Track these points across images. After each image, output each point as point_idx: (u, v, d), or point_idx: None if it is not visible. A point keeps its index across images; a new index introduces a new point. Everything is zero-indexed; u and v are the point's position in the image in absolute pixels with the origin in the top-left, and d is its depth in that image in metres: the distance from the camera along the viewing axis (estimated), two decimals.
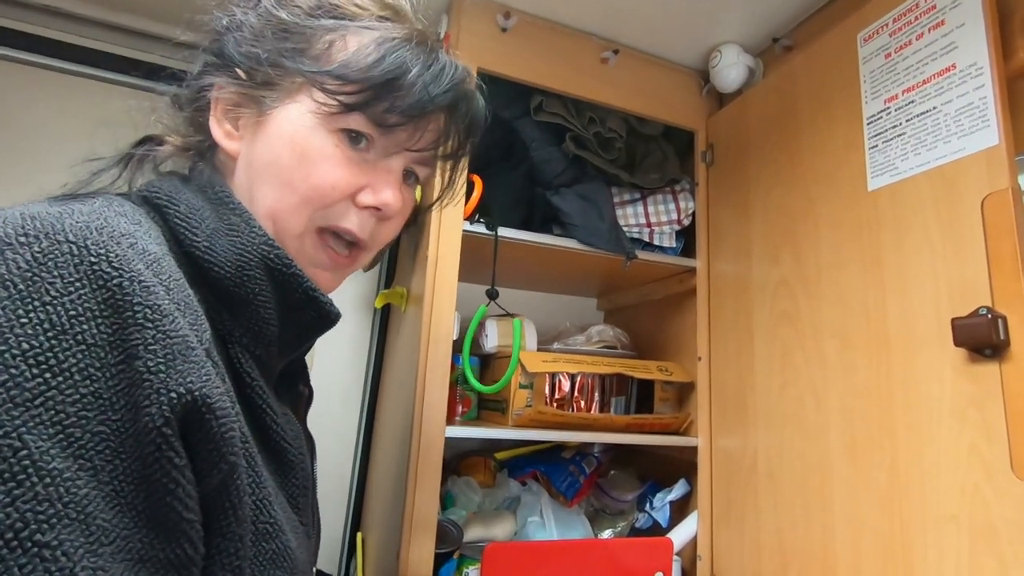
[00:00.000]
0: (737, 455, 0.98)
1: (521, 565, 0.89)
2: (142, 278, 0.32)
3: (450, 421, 0.92)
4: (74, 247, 0.30)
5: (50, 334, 0.28)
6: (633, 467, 1.24)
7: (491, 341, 1.13)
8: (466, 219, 0.96)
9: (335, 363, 1.26)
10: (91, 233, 0.31)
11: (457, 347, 0.96)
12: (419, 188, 1.02)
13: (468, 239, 0.95)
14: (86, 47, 1.16)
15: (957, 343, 0.64)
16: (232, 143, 0.48)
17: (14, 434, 0.26)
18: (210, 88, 0.48)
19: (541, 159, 1.09)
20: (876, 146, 0.79)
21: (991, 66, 0.66)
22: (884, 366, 0.74)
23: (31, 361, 0.28)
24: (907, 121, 0.75)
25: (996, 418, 0.61)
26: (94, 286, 0.30)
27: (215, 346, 0.39)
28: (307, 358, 1.25)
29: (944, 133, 0.70)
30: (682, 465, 1.10)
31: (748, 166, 1.04)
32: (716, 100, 1.19)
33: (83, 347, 0.29)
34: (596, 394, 1.11)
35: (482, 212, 0.99)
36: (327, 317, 0.49)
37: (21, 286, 0.28)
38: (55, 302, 0.29)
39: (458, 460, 1.20)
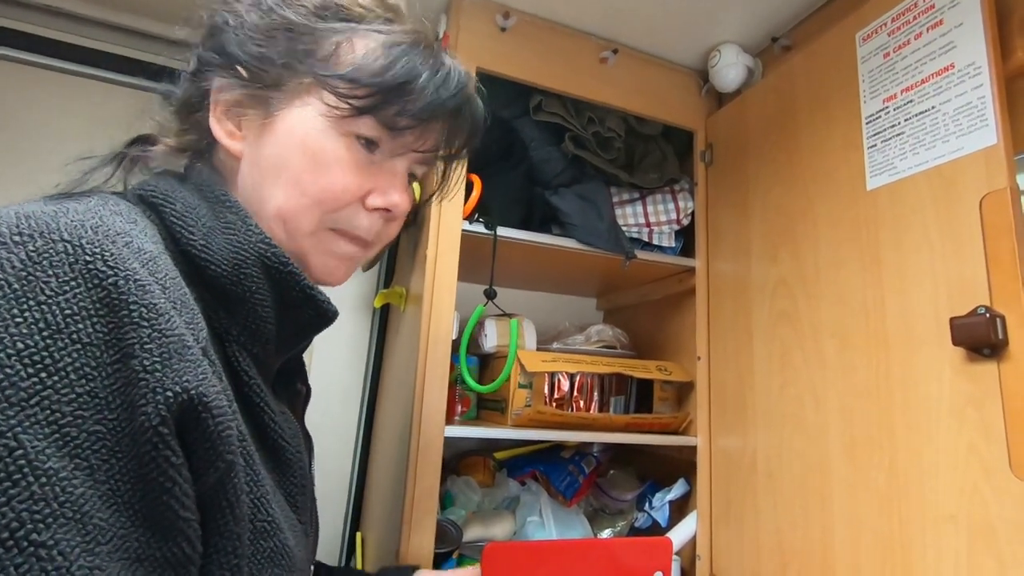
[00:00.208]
0: (736, 455, 0.98)
1: (520, 565, 0.89)
2: (137, 276, 0.32)
3: (449, 421, 0.92)
4: (69, 246, 0.30)
5: (45, 333, 0.28)
6: (632, 467, 1.24)
7: (490, 341, 1.13)
8: (465, 218, 0.96)
9: (334, 363, 1.26)
10: (86, 232, 0.31)
11: (456, 347, 0.96)
12: (417, 185, 1.03)
13: (467, 239, 0.95)
14: (86, 47, 1.16)
15: (956, 342, 0.64)
16: (235, 143, 0.48)
17: (9, 434, 0.26)
18: (209, 87, 0.48)
19: (540, 159, 1.09)
20: (875, 145, 0.79)
21: (989, 66, 0.66)
22: (883, 365, 0.74)
23: (26, 360, 0.27)
24: (906, 120, 0.75)
25: (995, 417, 0.61)
26: (89, 285, 0.30)
27: (212, 344, 0.39)
28: (306, 358, 1.25)
29: (943, 132, 0.70)
30: (681, 465, 1.10)
31: (747, 166, 1.04)
32: (715, 100, 1.19)
33: (78, 346, 0.29)
34: (595, 394, 1.11)
35: (481, 212, 0.99)
36: (325, 315, 0.49)
37: (16, 285, 0.28)
38: (50, 301, 0.29)
39: (457, 460, 1.20)
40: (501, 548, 0.89)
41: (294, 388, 0.57)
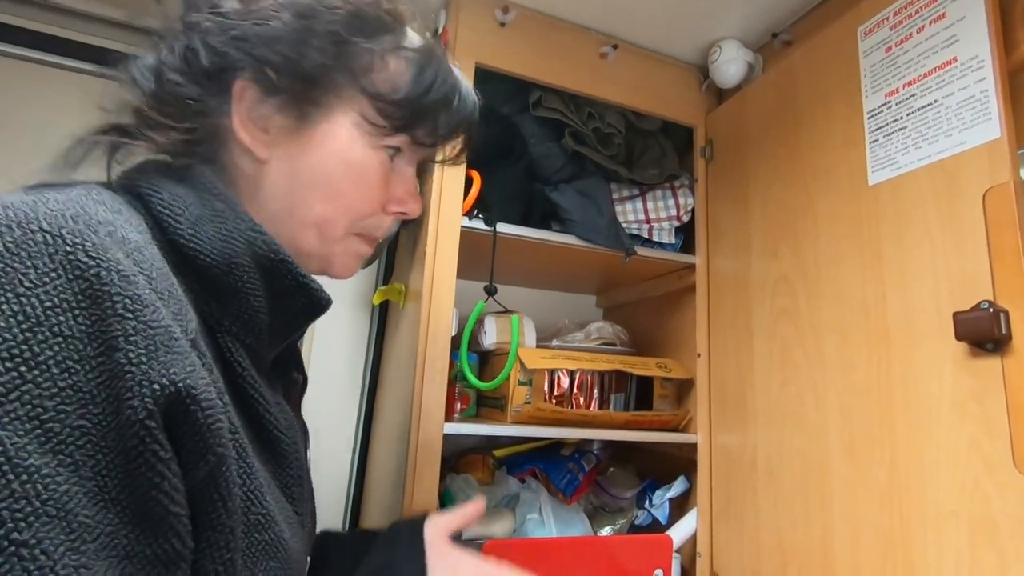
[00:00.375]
0: (737, 452, 0.98)
1: (520, 563, 0.88)
2: (121, 267, 0.31)
3: (448, 418, 0.91)
4: (48, 236, 0.29)
5: (24, 326, 0.27)
6: (632, 464, 1.24)
7: (490, 338, 1.12)
8: (464, 215, 0.96)
9: (333, 360, 1.25)
10: (66, 222, 0.30)
11: (456, 344, 0.95)
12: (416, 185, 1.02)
13: (466, 235, 0.95)
14: (89, 43, 1.15)
15: (959, 337, 0.64)
16: (261, 147, 0.47)
17: None
18: (228, 88, 0.46)
19: (540, 155, 1.08)
20: (877, 140, 0.78)
21: (992, 59, 0.65)
22: (884, 362, 0.74)
23: (4, 355, 0.27)
24: (908, 115, 0.74)
25: (997, 412, 0.60)
26: (70, 276, 0.29)
27: (203, 336, 0.38)
28: (304, 354, 1.24)
29: (945, 127, 0.70)
30: (681, 462, 1.10)
31: (747, 162, 1.03)
32: (715, 96, 1.18)
33: (60, 339, 0.28)
34: (595, 391, 1.10)
35: (481, 208, 0.99)
36: (318, 303, 0.48)
37: None
38: (29, 293, 0.28)
39: (457, 457, 1.19)
40: (501, 546, 0.89)
41: (290, 376, 0.56)
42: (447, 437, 0.88)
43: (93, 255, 0.30)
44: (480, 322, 1.13)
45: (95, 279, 0.30)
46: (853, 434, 0.77)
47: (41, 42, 1.13)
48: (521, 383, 1.03)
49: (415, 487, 0.85)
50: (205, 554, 0.33)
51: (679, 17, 1.05)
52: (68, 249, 0.29)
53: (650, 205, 1.11)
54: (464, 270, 0.96)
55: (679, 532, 1.02)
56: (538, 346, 1.16)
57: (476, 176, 0.97)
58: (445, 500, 1.06)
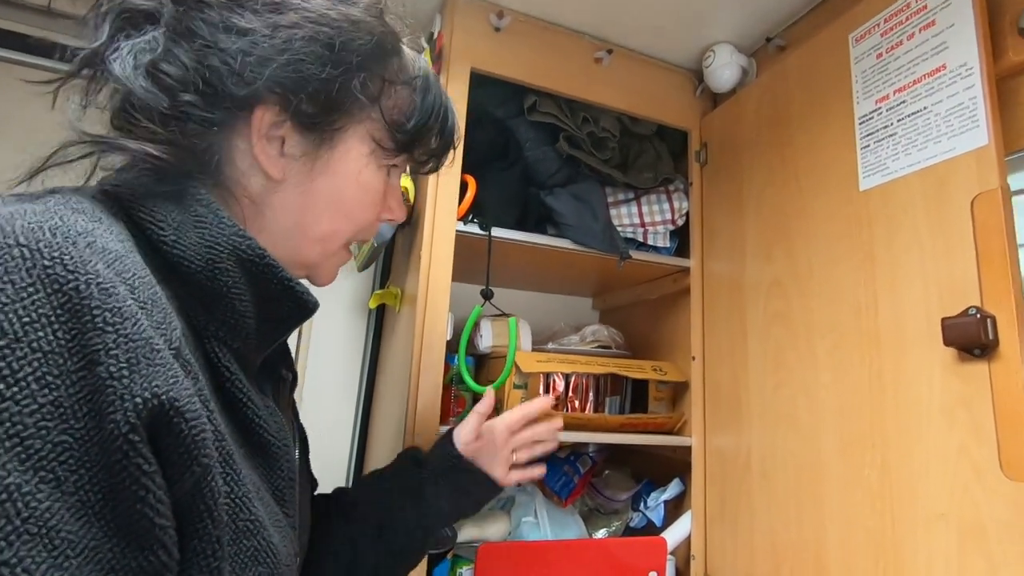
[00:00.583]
0: (731, 455, 0.98)
1: (515, 565, 0.89)
2: (100, 279, 0.31)
3: (444, 421, 0.92)
4: (25, 250, 0.29)
5: (2, 343, 0.27)
6: (627, 466, 1.24)
7: (486, 341, 1.13)
8: (460, 219, 0.96)
9: (330, 364, 1.26)
10: (44, 235, 0.30)
11: (452, 347, 0.96)
12: (411, 186, 1.03)
13: (462, 239, 0.95)
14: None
15: (947, 343, 0.64)
16: (276, 168, 0.47)
17: None
18: (248, 111, 0.45)
19: (535, 159, 1.09)
20: (868, 146, 0.79)
21: (981, 66, 0.66)
22: (875, 365, 0.74)
23: None
24: (898, 121, 0.75)
25: (985, 418, 0.61)
26: (48, 291, 0.29)
27: (190, 343, 0.38)
28: (300, 358, 1.25)
29: (935, 133, 0.70)
30: (676, 464, 1.11)
31: (741, 165, 1.04)
32: (710, 100, 1.19)
33: (39, 355, 0.28)
34: (591, 394, 1.11)
35: (476, 212, 0.99)
36: (305, 306, 0.48)
37: None
38: (6, 309, 0.28)
39: None
40: (496, 549, 0.89)
41: (279, 374, 0.56)
42: None
43: (71, 268, 0.30)
44: (477, 325, 1.13)
45: (74, 293, 0.29)
46: (845, 437, 0.77)
47: (36, 47, 1.13)
48: (516, 386, 1.04)
49: None
50: (192, 564, 0.33)
51: (673, 22, 1.06)
52: (46, 263, 0.29)
53: (645, 209, 1.12)
54: (460, 274, 0.96)
55: (674, 534, 1.02)
56: (534, 349, 1.16)
57: (471, 181, 0.98)
58: None
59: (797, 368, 0.87)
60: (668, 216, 1.11)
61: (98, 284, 0.30)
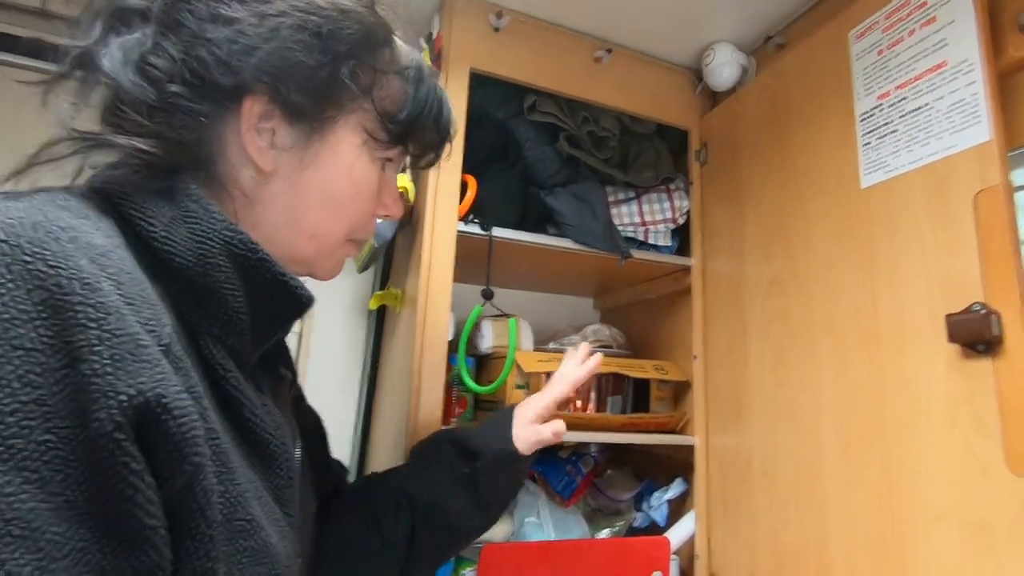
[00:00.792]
0: (733, 454, 0.98)
1: (518, 566, 0.89)
2: (83, 275, 0.30)
3: (446, 422, 0.91)
4: (5, 247, 0.29)
5: None
6: (630, 466, 1.24)
7: (487, 342, 1.13)
8: (460, 219, 0.96)
9: (330, 365, 1.25)
10: (25, 231, 0.30)
11: (453, 348, 0.95)
12: (411, 186, 1.02)
13: (462, 239, 0.95)
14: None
15: (951, 339, 0.64)
16: (266, 160, 0.47)
17: None
18: (237, 104, 0.45)
19: (535, 159, 1.08)
20: (869, 143, 0.79)
21: (982, 62, 0.66)
22: (876, 363, 0.74)
23: None
24: (900, 118, 0.75)
25: (989, 413, 0.61)
26: (29, 287, 0.28)
27: (183, 340, 0.38)
28: (301, 359, 1.24)
29: (936, 130, 0.70)
30: (679, 464, 1.10)
31: (741, 164, 1.04)
32: (709, 99, 1.19)
33: (20, 352, 0.28)
34: (592, 394, 1.11)
35: (476, 212, 0.99)
36: (299, 301, 0.48)
37: None
38: None
39: None
40: (499, 550, 0.89)
41: (277, 373, 0.55)
42: None
43: (53, 264, 0.29)
44: (477, 326, 1.13)
45: (56, 288, 0.29)
46: (846, 435, 0.77)
47: (28, 48, 1.12)
48: (519, 386, 1.03)
49: None
50: (184, 564, 0.33)
51: (672, 21, 1.06)
52: (27, 259, 0.29)
53: (645, 208, 1.12)
54: (461, 274, 0.96)
55: (677, 534, 1.02)
56: (535, 349, 1.16)
57: (472, 181, 0.98)
58: None
59: (797, 367, 0.86)
60: (669, 215, 1.11)
61: (81, 279, 0.30)
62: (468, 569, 0.93)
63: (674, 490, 1.07)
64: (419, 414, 0.88)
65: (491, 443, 0.72)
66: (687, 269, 1.13)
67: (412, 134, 0.54)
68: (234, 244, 0.42)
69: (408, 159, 0.58)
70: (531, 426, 0.75)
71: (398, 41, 0.53)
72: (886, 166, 0.76)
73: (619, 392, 1.15)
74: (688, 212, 1.13)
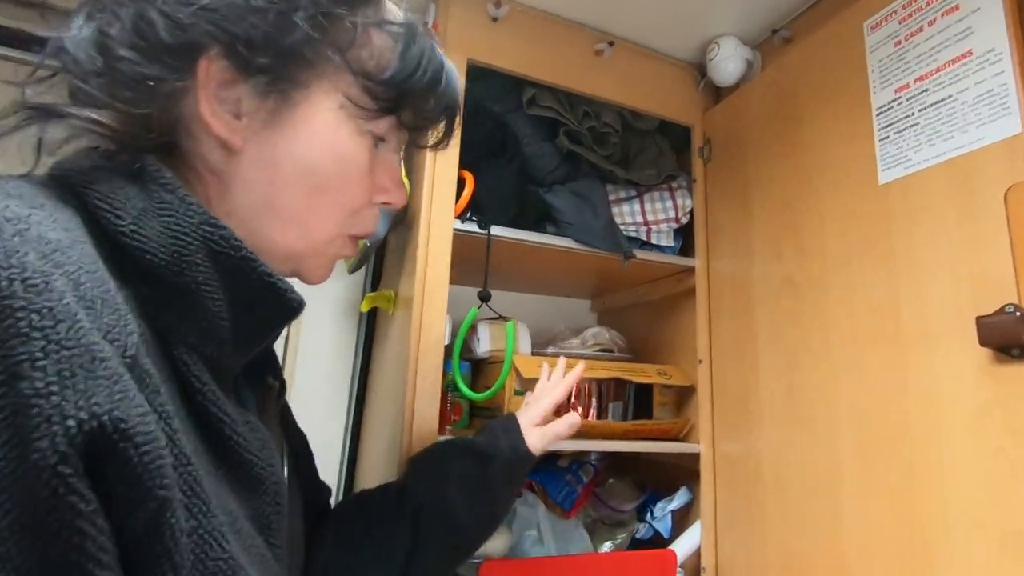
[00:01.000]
0: (741, 461, 0.94)
1: None
2: (28, 274, 0.25)
3: (441, 431, 0.86)
4: None
5: None
6: (631, 474, 1.20)
7: (483, 346, 1.08)
8: (456, 217, 0.92)
9: (318, 370, 1.19)
10: None
11: (447, 353, 0.91)
12: (407, 186, 0.97)
13: (456, 238, 0.90)
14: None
15: (983, 343, 0.61)
16: (233, 135, 0.41)
17: None
18: (192, 66, 0.40)
19: (533, 154, 1.04)
20: (887, 137, 0.75)
21: (1011, 51, 0.63)
22: (898, 366, 0.71)
23: None
24: (920, 111, 0.72)
25: (1023, 418, 0.57)
26: None
27: (153, 349, 0.33)
28: (288, 364, 1.18)
29: (961, 122, 0.67)
30: (683, 472, 1.06)
31: (747, 161, 1.00)
32: (712, 94, 1.15)
33: None
34: (593, 400, 1.06)
35: (473, 210, 0.94)
36: (288, 306, 0.42)
37: None
38: None
39: None
40: (499, 567, 0.84)
41: (264, 383, 0.50)
42: None
43: None
44: (473, 329, 1.08)
45: None
46: (865, 440, 0.74)
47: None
48: (517, 392, 0.99)
49: None
50: None
51: (675, 14, 1.02)
52: None
53: (647, 207, 1.08)
54: (454, 275, 0.91)
55: (683, 546, 0.98)
56: (533, 353, 1.12)
57: (469, 177, 0.93)
58: None
59: (812, 369, 0.83)
60: (672, 214, 1.07)
61: (25, 279, 0.25)
62: None
63: (678, 500, 1.03)
64: (414, 423, 0.83)
65: (502, 446, 0.71)
66: (691, 270, 1.09)
67: (404, 102, 0.46)
68: (214, 240, 0.37)
69: (409, 138, 0.51)
70: (537, 428, 0.74)
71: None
72: (906, 161, 0.72)
73: (620, 398, 1.10)
74: (691, 211, 1.10)
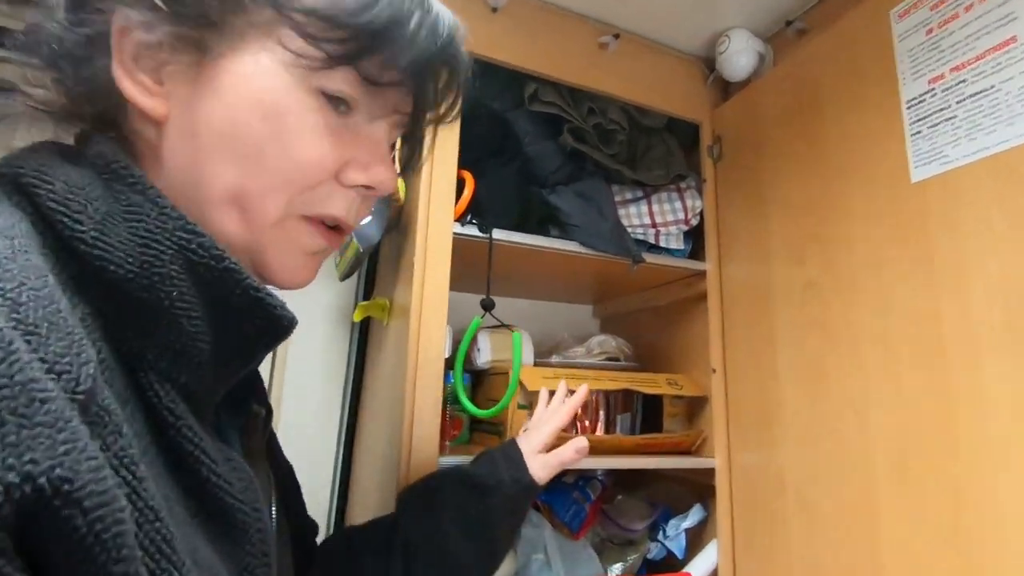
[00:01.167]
0: (761, 476, 0.89)
1: None
2: None
3: (440, 447, 0.80)
4: None
5: None
6: (640, 490, 1.14)
7: (484, 356, 1.02)
8: (456, 220, 0.85)
9: (308, 385, 1.12)
10: None
11: (447, 364, 0.84)
12: (402, 187, 0.91)
13: (458, 243, 0.84)
14: None
15: None
16: (156, 102, 0.35)
17: None
18: (107, 22, 0.34)
19: (536, 154, 0.98)
20: (920, 132, 0.70)
21: None
22: (940, 378, 0.65)
23: None
24: (958, 103, 0.67)
25: None
26: None
27: (117, 377, 0.28)
28: (275, 380, 1.11)
29: (1006, 114, 0.62)
30: (696, 488, 1.01)
31: (762, 160, 0.95)
32: (720, 90, 1.10)
33: None
34: (601, 412, 1.01)
35: (474, 213, 0.88)
36: (277, 324, 0.36)
37: None
38: None
39: None
40: None
41: (247, 411, 0.44)
42: None
43: None
44: (474, 339, 1.02)
45: None
46: (904, 461, 0.68)
47: None
48: (521, 406, 0.93)
49: None
50: None
51: (684, 5, 0.97)
52: None
53: (655, 208, 1.02)
54: (452, 281, 0.85)
55: (699, 567, 0.92)
56: (536, 363, 1.06)
57: (468, 177, 0.87)
58: None
59: (840, 381, 0.78)
60: (681, 216, 1.02)
61: None
62: None
63: (692, 517, 0.98)
64: (414, 442, 0.76)
65: (505, 477, 0.65)
66: (701, 274, 1.03)
67: (364, 47, 0.36)
68: (191, 249, 0.32)
69: (389, 102, 0.41)
70: (539, 455, 0.69)
71: None
72: (943, 157, 0.67)
73: (628, 409, 1.05)
74: (701, 212, 1.05)
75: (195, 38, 0.35)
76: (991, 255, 0.62)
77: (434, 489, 0.65)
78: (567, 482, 1.05)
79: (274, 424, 0.57)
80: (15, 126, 0.36)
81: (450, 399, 0.97)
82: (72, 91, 0.35)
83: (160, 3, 0.33)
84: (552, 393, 0.79)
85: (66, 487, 0.20)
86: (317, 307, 1.15)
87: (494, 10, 0.92)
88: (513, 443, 0.69)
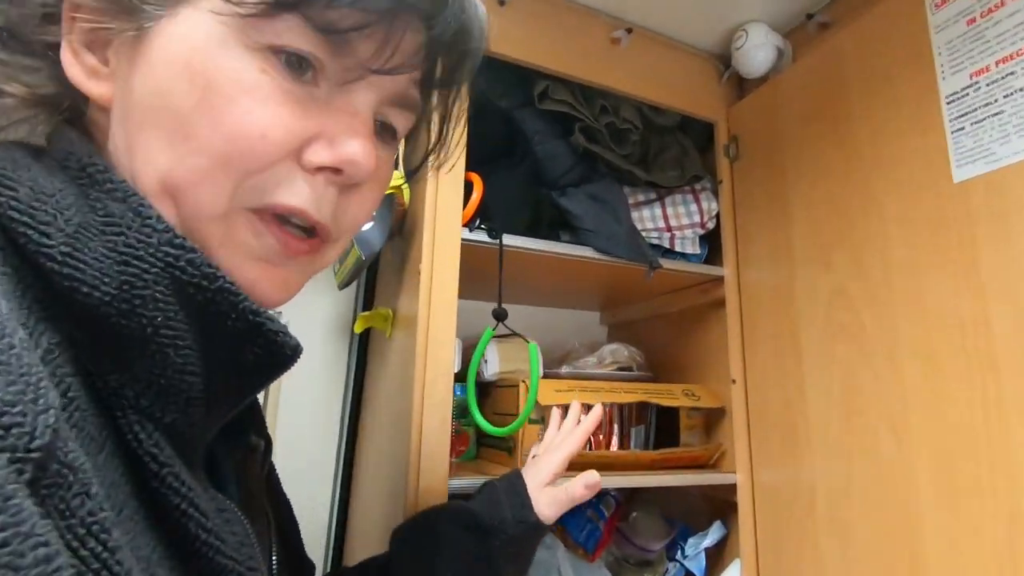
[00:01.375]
0: (787, 493, 0.84)
1: None
2: None
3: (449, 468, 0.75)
4: None
5: None
6: (656, 507, 1.09)
7: (492, 367, 0.97)
8: (464, 225, 0.80)
9: (305, 400, 1.06)
10: None
11: (456, 377, 0.79)
12: (406, 188, 0.86)
13: (466, 249, 0.79)
14: None
15: None
16: (100, 85, 0.31)
17: None
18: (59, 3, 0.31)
19: (546, 154, 0.93)
20: (962, 128, 0.66)
21: None
22: (991, 393, 0.61)
23: None
24: (1005, 97, 0.62)
25: None
26: None
27: (91, 418, 0.24)
28: (270, 396, 1.05)
29: None
30: (715, 503, 0.96)
31: (783, 159, 0.91)
32: (735, 88, 1.06)
33: None
34: (615, 426, 0.96)
35: (482, 217, 0.83)
36: (281, 352, 0.31)
37: None
38: None
39: None
40: None
41: (246, 443, 0.40)
42: (451, 491, 0.72)
43: None
44: None
45: None
46: (951, 480, 0.64)
47: None
48: (532, 421, 0.88)
49: None
50: None
51: None
52: None
53: (670, 211, 0.98)
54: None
55: None
56: (546, 374, 1.01)
57: (477, 180, 0.82)
58: None
59: (875, 394, 0.73)
60: (697, 219, 0.97)
61: None
62: None
63: (712, 535, 0.93)
64: (420, 461, 0.71)
65: (507, 516, 0.58)
66: (719, 279, 0.99)
67: None
68: (180, 267, 0.27)
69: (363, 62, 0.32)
70: (548, 489, 0.61)
71: None
72: (989, 155, 0.63)
73: (642, 422, 1.00)
74: (717, 215, 1.00)
75: (129, 5, 0.30)
76: None
77: (429, 528, 0.59)
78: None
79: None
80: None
81: (455, 412, 0.91)
82: (38, 83, 0.31)
83: None
84: (565, 411, 0.73)
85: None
86: (314, 317, 1.10)
87: (502, 3, 0.87)
88: (518, 475, 0.63)
